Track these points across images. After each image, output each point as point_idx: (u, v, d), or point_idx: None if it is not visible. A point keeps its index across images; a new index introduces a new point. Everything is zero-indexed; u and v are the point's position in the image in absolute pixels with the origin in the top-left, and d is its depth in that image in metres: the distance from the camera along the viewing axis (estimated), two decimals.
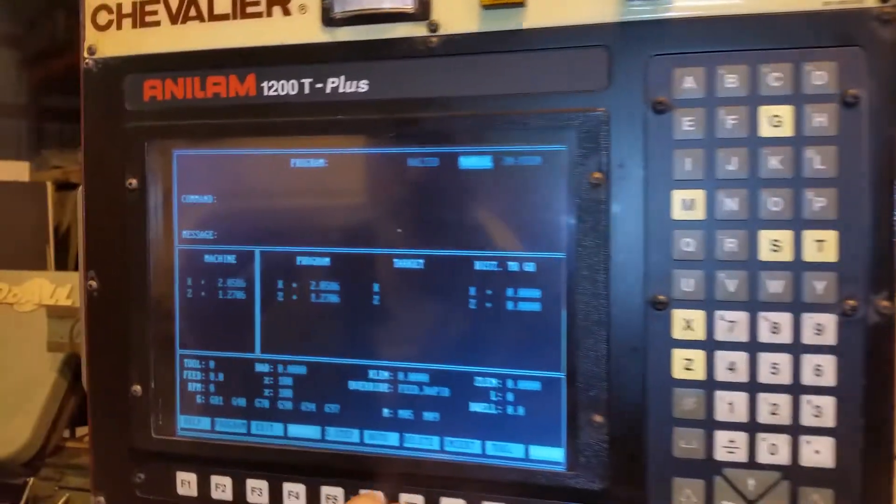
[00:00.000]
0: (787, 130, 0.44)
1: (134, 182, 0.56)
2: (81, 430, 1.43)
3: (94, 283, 0.58)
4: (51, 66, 1.93)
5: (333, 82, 0.53)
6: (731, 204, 0.45)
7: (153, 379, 0.57)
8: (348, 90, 0.52)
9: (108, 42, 0.57)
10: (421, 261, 0.52)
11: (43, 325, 1.31)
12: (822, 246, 0.44)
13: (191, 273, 0.57)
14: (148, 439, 0.57)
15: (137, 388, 0.57)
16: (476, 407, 0.52)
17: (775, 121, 0.44)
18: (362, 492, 0.52)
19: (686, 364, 0.47)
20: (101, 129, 0.57)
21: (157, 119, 0.56)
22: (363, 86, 0.52)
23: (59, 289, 1.37)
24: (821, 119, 0.44)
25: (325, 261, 0.54)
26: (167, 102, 0.56)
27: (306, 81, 0.53)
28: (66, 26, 1.96)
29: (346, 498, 0.53)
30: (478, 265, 0.51)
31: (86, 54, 0.57)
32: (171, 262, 0.57)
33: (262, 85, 0.54)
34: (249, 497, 0.55)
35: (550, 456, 0.50)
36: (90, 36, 0.57)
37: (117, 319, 0.57)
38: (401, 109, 0.51)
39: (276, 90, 0.54)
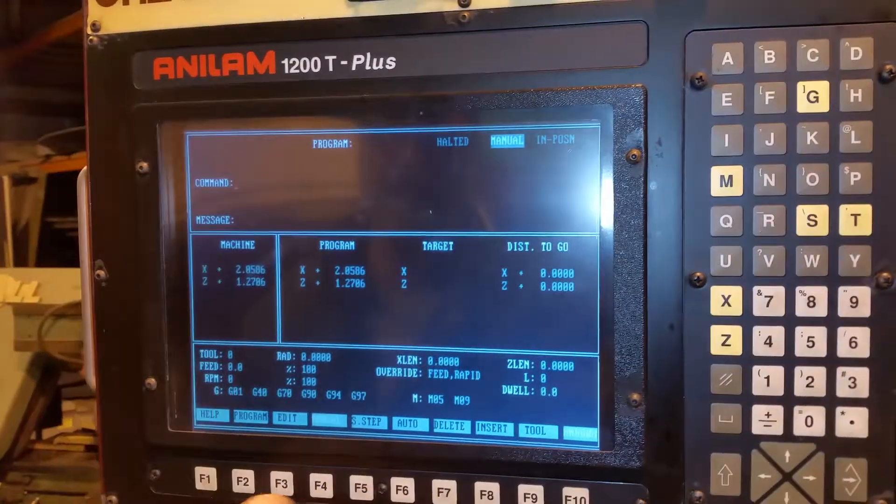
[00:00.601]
0: (823, 106, 0.45)
1: (145, 166, 0.54)
2: (49, 432, 1.38)
3: (102, 273, 0.55)
4: (5, 56, 1.83)
5: (359, 59, 0.51)
6: (768, 179, 0.46)
7: (168, 371, 0.54)
8: (374, 68, 0.51)
9: (114, 17, 0.54)
10: (451, 243, 0.51)
11: (9, 323, 1.25)
12: (858, 220, 0.45)
13: (206, 260, 0.54)
14: (163, 434, 0.54)
15: (152, 381, 0.54)
16: (508, 389, 0.51)
17: (812, 96, 0.45)
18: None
19: (724, 340, 0.47)
20: (107, 111, 0.54)
21: (168, 99, 0.53)
22: (390, 63, 0.51)
23: (24, 286, 1.31)
24: (857, 94, 0.44)
25: (350, 245, 0.52)
26: (179, 81, 0.53)
27: (330, 59, 0.51)
28: (20, 13, 1.86)
29: (376, 486, 0.52)
30: (509, 246, 0.50)
31: (89, 31, 0.54)
32: (185, 249, 0.55)
33: (282, 62, 0.52)
34: (274, 489, 0.53)
35: (585, 436, 0.50)
36: (94, 11, 0.54)
37: (128, 310, 0.55)
38: (429, 87, 0.50)
39: (297, 68, 0.52)
